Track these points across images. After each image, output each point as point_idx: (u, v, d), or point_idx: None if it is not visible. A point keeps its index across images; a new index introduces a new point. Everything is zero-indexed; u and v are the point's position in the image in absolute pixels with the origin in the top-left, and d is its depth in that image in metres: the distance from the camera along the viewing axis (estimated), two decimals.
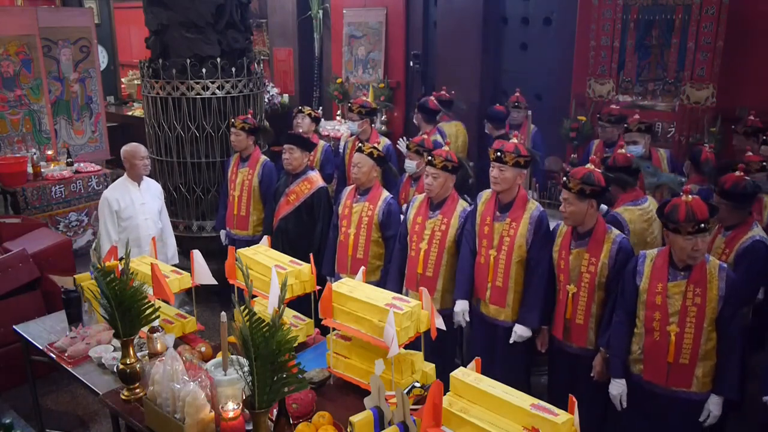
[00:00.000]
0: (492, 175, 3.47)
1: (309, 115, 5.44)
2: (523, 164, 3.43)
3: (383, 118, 7.72)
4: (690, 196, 2.81)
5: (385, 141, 5.43)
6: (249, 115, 4.88)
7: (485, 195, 3.63)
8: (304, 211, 4.44)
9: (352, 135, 5.65)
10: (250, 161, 4.82)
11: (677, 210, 2.79)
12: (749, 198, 3.40)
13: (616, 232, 3.25)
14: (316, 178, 4.49)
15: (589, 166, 3.22)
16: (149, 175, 4.55)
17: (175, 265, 3.77)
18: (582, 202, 3.14)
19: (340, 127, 7.34)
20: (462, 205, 3.70)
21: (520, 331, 3.48)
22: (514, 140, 3.52)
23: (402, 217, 3.97)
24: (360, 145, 4.11)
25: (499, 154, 3.41)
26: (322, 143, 5.54)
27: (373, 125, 5.55)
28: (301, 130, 5.26)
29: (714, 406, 2.88)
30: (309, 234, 4.41)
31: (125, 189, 4.38)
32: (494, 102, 6.24)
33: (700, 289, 2.83)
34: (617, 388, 3.06)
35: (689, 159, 4.43)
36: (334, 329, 2.71)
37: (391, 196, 4.10)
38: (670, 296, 2.89)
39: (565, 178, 3.19)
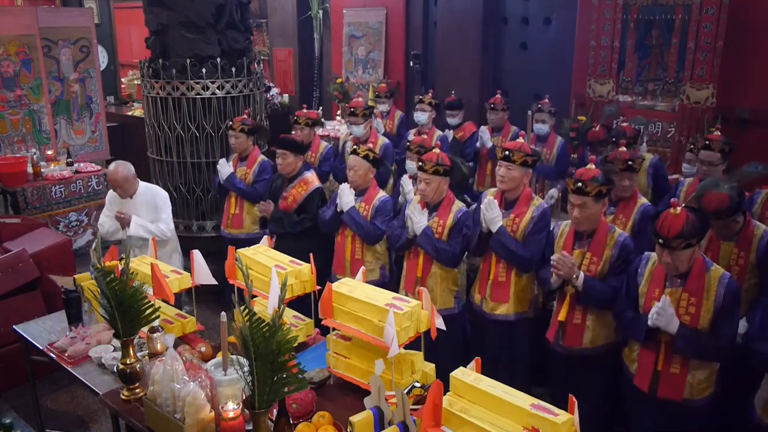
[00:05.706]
0: (499, 174, 3.49)
1: (306, 123, 5.31)
2: (530, 163, 3.46)
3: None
4: (678, 209, 2.66)
5: (383, 140, 5.42)
6: (245, 116, 4.87)
7: (489, 193, 3.64)
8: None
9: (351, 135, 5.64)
10: (248, 160, 4.82)
11: (659, 219, 2.69)
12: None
13: (618, 231, 3.24)
14: (311, 179, 4.46)
15: (590, 167, 3.20)
16: (155, 182, 4.49)
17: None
18: (598, 203, 3.14)
19: (340, 127, 7.34)
20: (457, 205, 3.68)
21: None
22: (521, 139, 3.53)
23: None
24: (355, 147, 4.08)
25: (507, 153, 3.43)
26: (323, 144, 5.52)
27: (372, 126, 5.54)
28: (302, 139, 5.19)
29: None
30: (308, 236, 4.40)
31: (118, 199, 4.39)
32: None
33: (695, 299, 2.74)
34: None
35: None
36: (334, 329, 2.71)
37: (387, 195, 4.10)
38: None
39: (579, 184, 3.09)
